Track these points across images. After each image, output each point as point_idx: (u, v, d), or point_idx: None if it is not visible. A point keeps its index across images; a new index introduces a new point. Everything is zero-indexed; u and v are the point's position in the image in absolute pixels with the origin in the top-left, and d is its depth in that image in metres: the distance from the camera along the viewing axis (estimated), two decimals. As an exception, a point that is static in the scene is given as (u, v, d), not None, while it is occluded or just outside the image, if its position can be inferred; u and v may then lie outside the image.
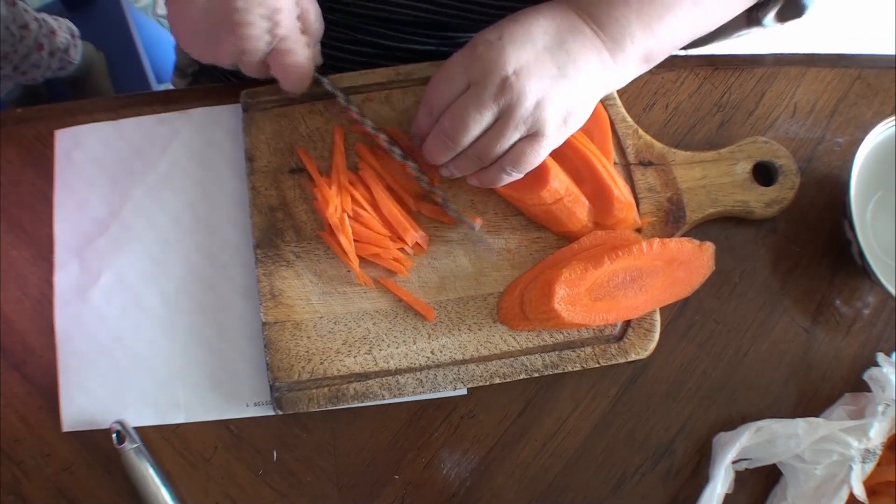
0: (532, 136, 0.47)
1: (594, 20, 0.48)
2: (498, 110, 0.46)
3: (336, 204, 0.53)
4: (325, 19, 0.63)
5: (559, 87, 0.46)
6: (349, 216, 0.54)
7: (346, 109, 0.55)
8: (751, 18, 0.60)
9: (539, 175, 0.52)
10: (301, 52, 0.50)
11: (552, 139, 0.48)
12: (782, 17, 0.59)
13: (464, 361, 0.53)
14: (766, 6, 0.58)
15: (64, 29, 1.16)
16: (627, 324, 0.54)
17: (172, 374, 0.54)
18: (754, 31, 0.63)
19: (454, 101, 0.47)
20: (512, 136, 0.47)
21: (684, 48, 0.56)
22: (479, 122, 0.46)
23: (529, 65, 0.46)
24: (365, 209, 0.54)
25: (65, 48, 1.16)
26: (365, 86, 0.58)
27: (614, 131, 0.57)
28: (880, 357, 0.54)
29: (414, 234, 0.54)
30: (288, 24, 0.48)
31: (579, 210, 0.53)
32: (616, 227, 0.54)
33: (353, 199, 0.54)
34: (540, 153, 0.48)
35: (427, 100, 0.49)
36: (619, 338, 0.54)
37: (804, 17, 0.58)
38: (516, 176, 0.49)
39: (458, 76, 0.47)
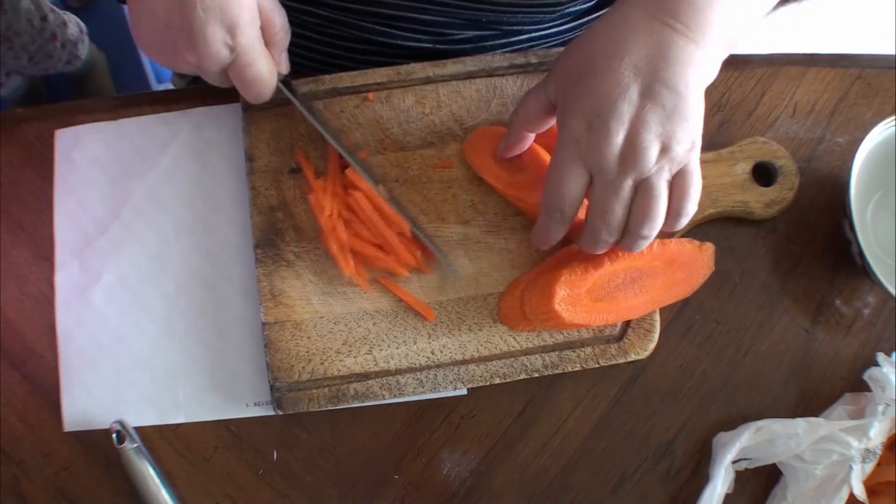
0: (678, 173, 0.46)
1: (678, 19, 0.44)
2: (632, 180, 0.45)
3: (330, 209, 0.53)
4: (319, 16, 0.63)
5: (673, 124, 0.44)
6: (344, 219, 0.53)
7: (309, 121, 0.54)
8: None
9: (540, 174, 0.52)
10: (262, 65, 0.49)
11: (693, 160, 0.46)
12: None
13: (464, 361, 0.53)
14: None
15: (73, 23, 1.17)
16: (627, 324, 0.54)
17: (172, 374, 0.54)
18: (791, 5, 0.61)
19: (581, 195, 0.46)
20: (660, 189, 0.45)
21: None
22: (624, 200, 0.45)
23: (637, 123, 0.44)
24: (359, 216, 0.54)
25: (75, 41, 1.16)
26: (364, 85, 0.58)
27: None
28: (880, 357, 0.54)
29: (408, 258, 0.53)
30: (248, 37, 0.47)
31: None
32: None
33: (349, 206, 0.54)
34: (694, 177, 0.46)
35: (553, 207, 0.48)
36: (619, 338, 0.54)
37: None
38: (692, 211, 0.47)
39: (574, 172, 0.46)
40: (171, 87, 0.94)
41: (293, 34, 0.52)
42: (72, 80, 1.27)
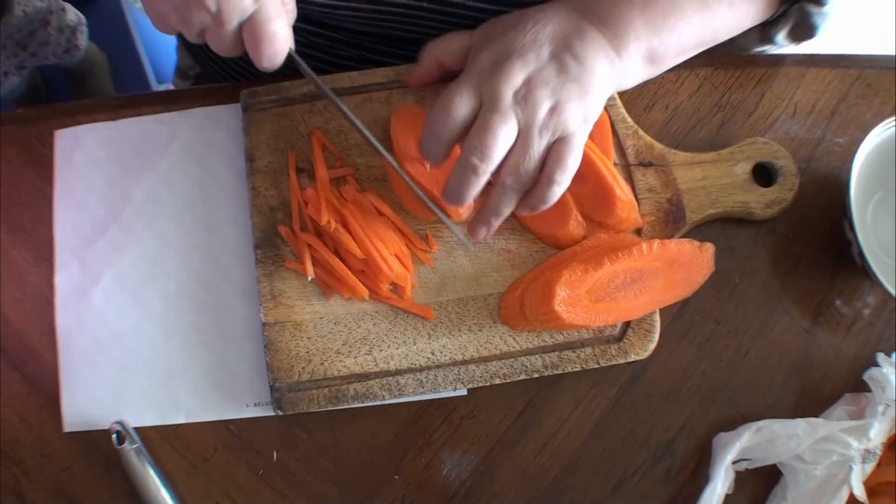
0: (559, 143, 0.47)
1: (598, 19, 0.49)
2: (518, 124, 0.46)
3: (327, 216, 0.53)
4: (330, 38, 0.63)
5: (571, 90, 0.47)
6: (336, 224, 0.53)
7: (325, 95, 0.52)
8: (763, 36, 0.60)
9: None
10: (281, 22, 0.47)
11: (580, 135, 0.48)
12: (794, 36, 0.59)
13: (464, 362, 0.53)
14: (777, 24, 0.58)
15: (71, 10, 1.16)
16: (627, 324, 0.54)
17: (172, 374, 0.54)
18: (768, 50, 0.63)
19: (467, 120, 0.47)
20: (539, 147, 0.47)
21: (696, 57, 0.56)
22: (507, 133, 0.46)
23: (538, 74, 0.47)
24: (349, 227, 0.53)
25: (73, 27, 1.16)
26: (365, 86, 0.58)
27: (614, 132, 0.58)
28: (880, 357, 0.54)
29: (389, 277, 0.52)
30: None
31: (572, 224, 0.54)
32: (617, 228, 0.55)
33: (339, 218, 0.53)
34: (575, 149, 0.48)
35: (432, 124, 0.47)
36: (619, 338, 0.54)
37: (816, 37, 0.58)
38: (565, 183, 0.48)
39: (467, 96, 0.47)
40: (171, 87, 0.94)
41: (297, 32, 0.52)
42: (72, 80, 1.27)
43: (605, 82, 0.49)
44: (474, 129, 0.46)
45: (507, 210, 0.49)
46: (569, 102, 0.47)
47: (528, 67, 0.47)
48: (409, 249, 0.54)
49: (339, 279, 0.53)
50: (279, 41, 0.47)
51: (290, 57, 0.49)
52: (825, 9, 0.55)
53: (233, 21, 0.46)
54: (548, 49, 0.48)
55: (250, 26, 0.46)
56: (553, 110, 0.46)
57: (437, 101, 0.48)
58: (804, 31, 0.58)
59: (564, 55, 0.47)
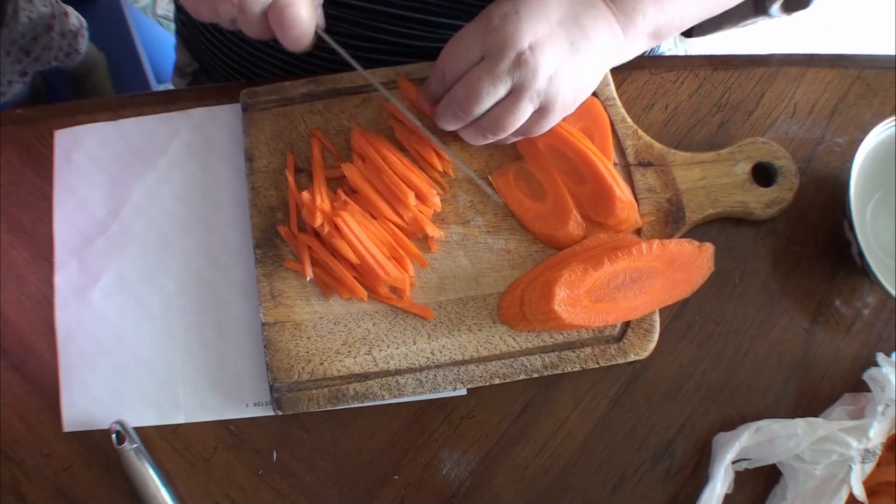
0: (541, 109, 0.48)
1: None
2: (512, 84, 0.47)
3: (321, 219, 0.53)
4: (327, 14, 0.63)
5: (571, 62, 0.47)
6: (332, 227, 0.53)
7: (364, 75, 0.54)
8: (758, 7, 0.60)
9: (559, 204, 0.54)
10: (300, 8, 0.48)
11: (560, 113, 0.49)
12: (788, 7, 0.59)
13: (463, 362, 0.53)
14: None
15: (73, 15, 1.16)
16: (627, 324, 0.54)
17: (172, 374, 0.54)
18: (761, 20, 0.63)
19: (468, 70, 0.48)
20: (526, 111, 0.48)
21: (691, 34, 0.56)
22: (493, 95, 0.47)
23: (544, 39, 0.46)
24: (343, 234, 0.53)
25: (75, 32, 1.16)
26: (365, 85, 0.58)
27: (614, 132, 0.57)
28: (880, 357, 0.54)
29: (386, 281, 0.52)
30: None
31: (571, 224, 0.54)
32: (617, 228, 0.55)
33: (333, 223, 0.53)
34: (546, 126, 0.50)
35: (439, 67, 0.49)
36: (619, 338, 0.54)
37: (809, 7, 0.58)
38: (526, 135, 0.51)
39: (473, 46, 0.48)
40: (171, 87, 0.94)
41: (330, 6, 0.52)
42: (71, 81, 1.27)
43: (605, 59, 0.50)
44: (464, 81, 0.47)
45: (470, 136, 0.51)
46: (566, 74, 0.47)
47: (536, 30, 0.47)
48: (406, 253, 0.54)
49: (337, 280, 0.53)
50: (300, 25, 0.49)
51: (319, 36, 0.50)
52: None
53: (255, 9, 0.48)
54: (556, 15, 0.47)
55: (273, 12, 0.48)
56: (550, 80, 0.47)
57: (446, 46, 0.49)
58: (799, 1, 0.58)
59: (571, 25, 0.48)
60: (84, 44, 1.20)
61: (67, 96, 1.28)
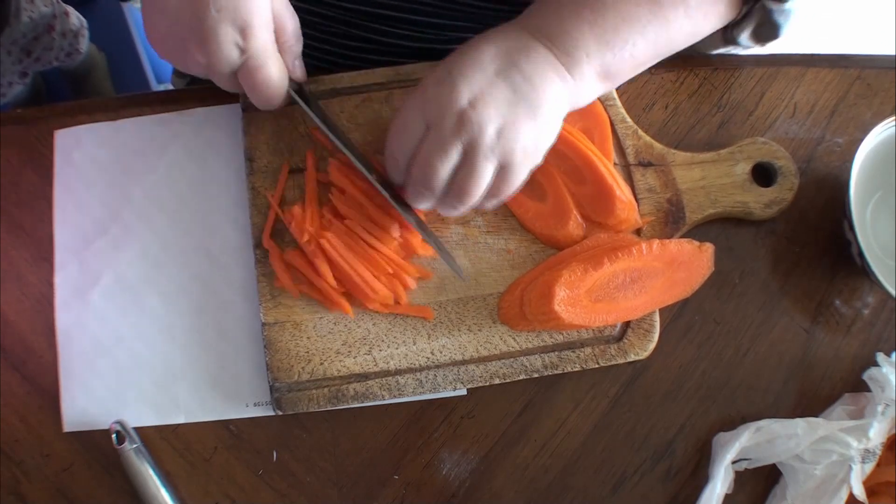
0: (503, 167, 0.46)
1: (546, 36, 0.47)
2: (462, 146, 0.45)
3: (308, 234, 0.53)
4: (320, 14, 0.63)
5: (519, 110, 0.45)
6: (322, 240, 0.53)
7: (323, 132, 0.53)
8: (727, 37, 0.57)
9: (560, 204, 0.53)
10: (273, 69, 0.47)
11: (523, 166, 0.46)
12: (758, 37, 0.56)
13: (463, 362, 0.53)
14: (740, 25, 0.55)
15: (74, 15, 1.16)
16: (627, 324, 0.54)
17: (172, 374, 0.54)
18: (734, 50, 0.61)
19: (416, 147, 0.46)
20: (484, 171, 0.45)
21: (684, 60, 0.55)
22: (447, 163, 0.45)
23: (483, 93, 0.44)
24: (330, 255, 0.53)
25: (76, 32, 1.16)
26: (365, 86, 0.58)
27: (614, 132, 0.58)
28: (880, 357, 0.54)
29: (374, 300, 0.52)
30: (259, 40, 0.46)
31: (571, 224, 0.54)
32: (617, 228, 0.55)
33: (318, 245, 0.53)
34: (515, 183, 0.47)
35: (390, 152, 0.48)
36: (619, 338, 0.54)
37: (780, 38, 0.56)
38: (497, 203, 0.49)
39: (415, 121, 0.46)
40: (171, 87, 0.94)
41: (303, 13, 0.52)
42: (71, 81, 1.27)
43: (557, 102, 0.46)
44: (417, 159, 0.46)
45: (444, 210, 0.50)
46: (516, 124, 0.44)
47: (473, 85, 0.44)
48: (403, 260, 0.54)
49: (324, 296, 0.53)
50: (270, 88, 0.48)
51: (291, 94, 0.50)
52: (787, 5, 0.52)
53: (224, 71, 0.47)
54: (492, 66, 0.45)
55: (242, 74, 0.48)
56: (500, 133, 0.44)
57: (391, 125, 0.48)
58: (768, 30, 0.55)
59: (512, 72, 0.45)
60: (85, 44, 1.20)
61: (67, 96, 1.28)
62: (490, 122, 0.44)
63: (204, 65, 0.47)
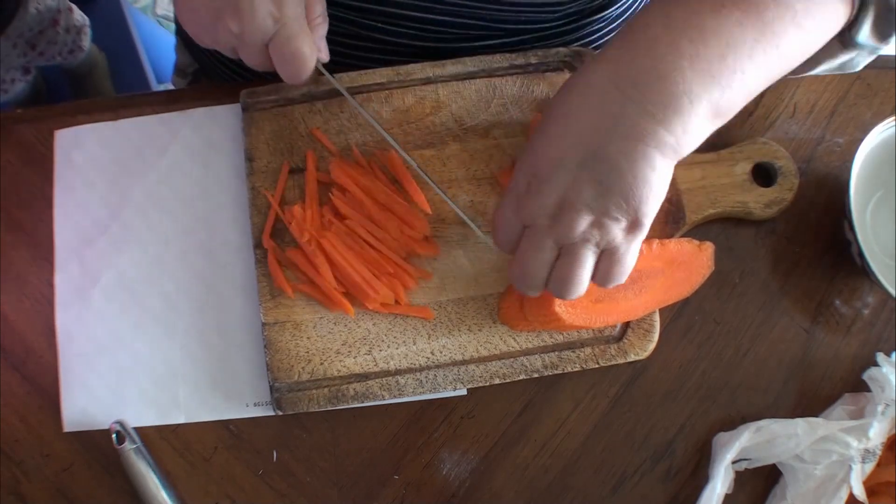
0: (606, 252, 0.45)
1: (637, 89, 0.41)
2: (554, 241, 0.44)
3: (308, 234, 0.53)
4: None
5: (607, 200, 0.42)
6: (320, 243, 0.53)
7: (353, 107, 0.53)
8: (844, 41, 0.50)
9: None
10: (304, 40, 0.48)
11: (628, 244, 0.44)
12: (880, 32, 0.49)
13: (463, 362, 0.53)
14: (857, 23, 0.48)
15: (77, 11, 1.17)
16: (627, 324, 0.54)
17: (172, 374, 0.54)
18: (857, 57, 0.52)
19: (518, 238, 0.47)
20: (584, 261, 0.44)
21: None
22: (542, 260, 0.45)
23: (570, 192, 0.43)
24: (330, 256, 0.53)
25: (79, 28, 1.16)
26: (365, 86, 0.58)
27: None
28: (880, 357, 0.54)
29: (375, 300, 0.52)
30: (293, 9, 0.47)
31: None
32: None
33: (318, 245, 0.53)
34: (624, 260, 0.45)
35: (498, 244, 0.49)
36: (619, 338, 0.54)
37: None
38: (617, 283, 0.46)
39: (511, 223, 0.47)
40: (171, 87, 0.94)
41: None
42: (72, 80, 1.27)
43: (652, 174, 0.42)
44: (517, 261, 0.46)
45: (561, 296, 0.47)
46: (607, 215, 0.42)
47: (559, 185, 0.43)
48: (403, 265, 0.54)
49: (325, 296, 0.53)
50: (301, 60, 0.49)
51: (318, 70, 0.51)
52: None
53: (256, 41, 0.48)
54: (574, 158, 0.42)
55: (273, 46, 0.48)
56: (594, 225, 0.43)
57: (492, 227, 0.49)
58: (888, 23, 0.48)
59: (593, 160, 0.42)
60: (87, 41, 1.20)
61: (68, 96, 1.28)
62: (579, 219, 0.43)
63: (237, 34, 0.47)
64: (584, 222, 0.43)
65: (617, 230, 0.43)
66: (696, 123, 0.43)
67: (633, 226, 0.43)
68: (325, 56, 0.53)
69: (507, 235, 0.47)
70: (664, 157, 0.43)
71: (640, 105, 0.41)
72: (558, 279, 0.45)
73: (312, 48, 0.49)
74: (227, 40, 0.48)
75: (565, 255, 0.45)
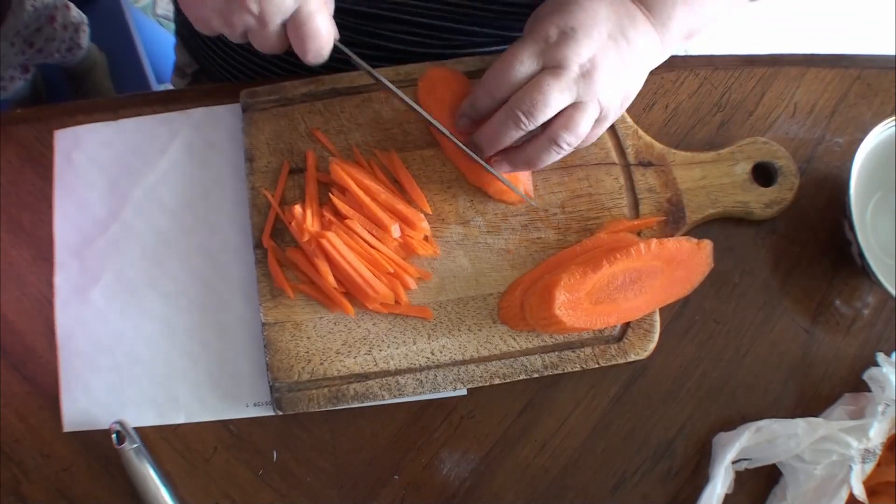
0: (602, 116, 0.50)
1: (645, 5, 0.51)
2: (576, 95, 0.48)
3: (309, 235, 0.52)
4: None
5: (622, 74, 0.49)
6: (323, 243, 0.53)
7: (378, 80, 0.52)
8: None
9: None
10: (323, 18, 0.48)
11: (611, 121, 0.52)
12: None
13: (464, 362, 0.53)
14: None
15: (74, 8, 1.17)
16: (627, 324, 0.54)
17: (172, 374, 0.54)
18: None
19: (525, 82, 0.48)
20: (587, 122, 0.49)
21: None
22: (560, 102, 0.48)
23: (600, 54, 0.48)
24: (331, 256, 0.52)
25: (76, 25, 1.16)
26: (365, 86, 0.58)
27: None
28: (880, 357, 0.54)
29: (375, 299, 0.52)
30: None
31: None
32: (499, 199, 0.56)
33: (318, 244, 0.53)
34: (598, 133, 0.52)
35: (490, 81, 0.49)
36: (619, 338, 0.54)
37: None
38: (565, 153, 0.51)
39: (529, 60, 0.48)
40: (171, 87, 0.94)
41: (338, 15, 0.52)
42: (71, 80, 1.27)
43: (647, 67, 0.52)
44: (530, 86, 0.48)
45: (544, 160, 0.51)
46: (619, 87, 0.50)
47: (593, 44, 0.48)
48: (403, 265, 0.54)
49: (325, 296, 0.53)
50: (323, 36, 0.48)
51: (335, 48, 0.50)
52: None
53: (276, 20, 0.47)
54: (606, 29, 0.49)
55: (293, 24, 0.47)
56: (605, 89, 0.49)
57: (498, 60, 0.49)
58: None
59: (620, 39, 0.49)
60: (85, 39, 1.20)
61: (67, 96, 1.28)
62: (603, 81, 0.48)
63: (256, 15, 0.46)
64: (606, 84, 0.48)
65: (616, 98, 0.50)
66: (675, 41, 0.53)
67: (622, 104, 0.51)
68: (336, 33, 0.51)
69: (515, 71, 0.48)
70: (653, 60, 0.53)
71: (646, 17, 0.52)
72: (563, 124, 0.49)
73: (330, 26, 0.49)
74: (243, 21, 0.47)
75: (579, 109, 0.49)
